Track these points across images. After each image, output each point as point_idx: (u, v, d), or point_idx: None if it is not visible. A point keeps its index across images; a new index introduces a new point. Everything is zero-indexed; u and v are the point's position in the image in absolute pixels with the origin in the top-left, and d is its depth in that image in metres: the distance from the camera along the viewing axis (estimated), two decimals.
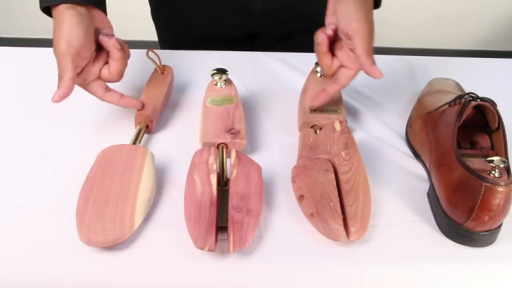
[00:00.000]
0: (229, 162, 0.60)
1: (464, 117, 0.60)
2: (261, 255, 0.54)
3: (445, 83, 0.77)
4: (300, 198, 0.58)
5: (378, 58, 0.89)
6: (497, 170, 0.52)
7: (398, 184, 0.64)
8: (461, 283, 0.54)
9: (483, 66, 0.89)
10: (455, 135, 0.59)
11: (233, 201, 0.56)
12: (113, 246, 0.53)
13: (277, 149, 0.69)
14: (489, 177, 0.51)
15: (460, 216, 0.54)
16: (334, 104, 0.71)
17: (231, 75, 0.74)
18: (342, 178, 0.58)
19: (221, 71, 0.72)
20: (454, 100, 0.63)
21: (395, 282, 0.54)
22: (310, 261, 0.54)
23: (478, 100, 0.60)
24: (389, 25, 2.24)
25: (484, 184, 0.51)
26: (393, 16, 2.20)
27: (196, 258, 0.53)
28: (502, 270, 0.55)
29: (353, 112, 0.76)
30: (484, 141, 0.62)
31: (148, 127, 0.69)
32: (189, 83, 0.82)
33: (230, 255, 0.54)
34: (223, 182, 0.59)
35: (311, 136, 0.67)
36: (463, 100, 0.61)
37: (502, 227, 0.55)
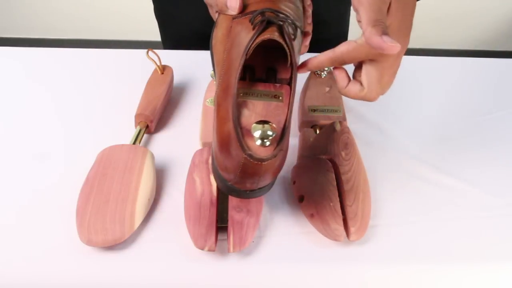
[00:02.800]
0: None
1: (258, 42, 0.45)
2: (261, 255, 0.54)
3: None
4: (300, 198, 0.58)
5: None
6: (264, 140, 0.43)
7: (398, 184, 0.64)
8: (461, 283, 0.54)
9: (481, 66, 0.89)
10: (241, 65, 0.45)
11: (233, 201, 0.56)
12: (113, 246, 0.53)
13: None
14: (250, 146, 0.43)
15: (227, 174, 0.46)
16: (334, 104, 0.71)
17: None
18: (342, 178, 0.58)
19: None
20: (255, 13, 0.47)
21: (395, 282, 0.54)
22: (310, 261, 0.54)
23: (280, 22, 0.46)
24: None
25: (243, 156, 0.42)
26: None
27: (196, 258, 0.53)
28: (500, 270, 0.55)
29: (353, 112, 0.76)
30: (285, 71, 0.50)
31: (148, 127, 0.69)
32: (189, 83, 0.82)
33: (230, 255, 0.54)
34: None
35: (311, 136, 0.67)
36: (261, 17, 0.46)
37: (497, 226, 0.55)
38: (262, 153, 0.43)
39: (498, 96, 0.80)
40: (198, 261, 0.53)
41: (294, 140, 0.69)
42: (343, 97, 0.74)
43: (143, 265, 0.53)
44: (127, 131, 0.68)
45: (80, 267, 0.53)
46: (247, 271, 0.54)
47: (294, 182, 0.60)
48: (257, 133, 0.43)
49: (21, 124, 0.71)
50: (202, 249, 0.52)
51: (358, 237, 0.54)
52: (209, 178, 0.58)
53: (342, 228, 0.54)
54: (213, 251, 0.52)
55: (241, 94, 0.47)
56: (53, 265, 0.53)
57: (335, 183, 0.57)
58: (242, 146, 0.43)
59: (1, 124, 0.71)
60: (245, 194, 0.47)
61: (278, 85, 0.49)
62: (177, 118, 0.74)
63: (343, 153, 0.60)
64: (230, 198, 0.56)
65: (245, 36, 0.47)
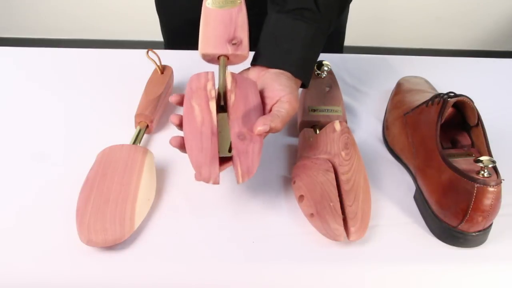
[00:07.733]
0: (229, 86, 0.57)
1: (445, 116, 0.59)
2: (261, 255, 0.54)
3: (415, 82, 0.76)
4: (300, 198, 0.58)
5: (379, 58, 0.90)
6: (486, 170, 0.52)
7: (399, 184, 0.64)
8: (460, 283, 0.54)
9: (482, 66, 0.89)
10: (438, 136, 0.58)
11: (235, 128, 0.53)
12: (113, 246, 0.53)
13: (277, 149, 0.69)
14: (479, 177, 0.51)
15: (453, 219, 0.54)
16: (334, 104, 0.71)
17: None
18: (342, 178, 0.58)
19: None
20: (431, 99, 0.62)
21: (394, 282, 0.54)
22: (310, 261, 0.54)
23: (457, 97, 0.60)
24: (389, 25, 2.24)
25: (476, 186, 0.51)
26: (393, 16, 2.20)
27: (196, 258, 0.54)
28: (499, 270, 0.55)
29: (353, 112, 0.76)
30: (464, 139, 0.62)
31: (148, 127, 0.69)
32: None
33: (230, 256, 0.54)
34: (222, 104, 0.57)
35: (311, 136, 0.67)
36: (441, 99, 0.60)
37: (495, 226, 0.55)
38: (491, 180, 0.51)
39: (498, 96, 0.80)
40: (198, 261, 0.53)
41: (294, 140, 0.69)
42: (343, 97, 0.74)
43: (143, 265, 0.53)
44: (127, 131, 0.68)
45: (80, 267, 0.53)
46: (247, 271, 0.54)
47: (294, 182, 0.60)
48: (482, 163, 0.51)
49: (21, 124, 0.71)
50: (207, 181, 0.50)
51: (358, 237, 0.54)
52: (208, 106, 0.55)
53: (342, 228, 0.54)
54: (218, 183, 0.50)
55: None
56: (53, 265, 0.53)
57: (335, 183, 0.57)
58: (472, 179, 0.51)
59: (1, 124, 0.71)
60: (473, 237, 0.54)
61: (465, 147, 0.61)
62: None
63: (343, 153, 0.60)
64: (231, 125, 0.54)
65: (428, 115, 0.61)
